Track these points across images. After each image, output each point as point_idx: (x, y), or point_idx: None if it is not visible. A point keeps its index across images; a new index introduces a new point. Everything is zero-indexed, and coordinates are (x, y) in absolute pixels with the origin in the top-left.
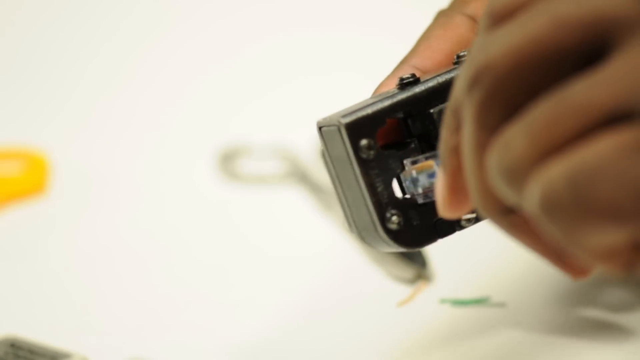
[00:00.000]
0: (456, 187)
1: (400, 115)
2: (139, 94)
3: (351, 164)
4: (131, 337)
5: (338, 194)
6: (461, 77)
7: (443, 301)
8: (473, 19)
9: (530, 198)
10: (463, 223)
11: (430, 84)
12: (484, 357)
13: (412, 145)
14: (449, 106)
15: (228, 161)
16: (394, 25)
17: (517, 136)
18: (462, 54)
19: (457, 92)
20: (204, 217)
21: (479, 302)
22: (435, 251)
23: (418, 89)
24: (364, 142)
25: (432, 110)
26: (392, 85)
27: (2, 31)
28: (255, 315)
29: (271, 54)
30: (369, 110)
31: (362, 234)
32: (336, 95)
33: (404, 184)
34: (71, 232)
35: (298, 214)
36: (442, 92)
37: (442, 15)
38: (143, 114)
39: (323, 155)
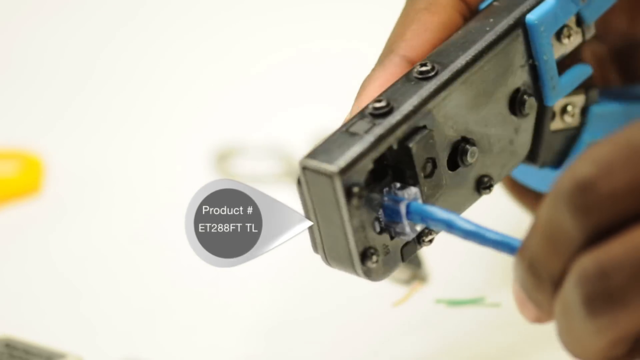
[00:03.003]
0: (543, 317)
1: (384, 150)
2: (134, 95)
3: (339, 209)
4: (126, 337)
5: (309, 218)
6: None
7: (438, 301)
8: None
9: None
10: (424, 244)
11: (404, 111)
12: (479, 357)
13: (388, 177)
14: (523, 259)
15: (224, 161)
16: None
17: None
18: (377, 105)
19: (536, 251)
20: None
21: (474, 302)
22: (431, 252)
23: (394, 119)
24: (355, 189)
25: (410, 145)
26: (383, 80)
27: None
28: (251, 315)
29: (267, 54)
30: (356, 154)
31: (329, 260)
32: (333, 96)
33: (381, 217)
34: (65, 232)
35: None
36: (417, 119)
37: None
38: (138, 114)
39: (299, 185)
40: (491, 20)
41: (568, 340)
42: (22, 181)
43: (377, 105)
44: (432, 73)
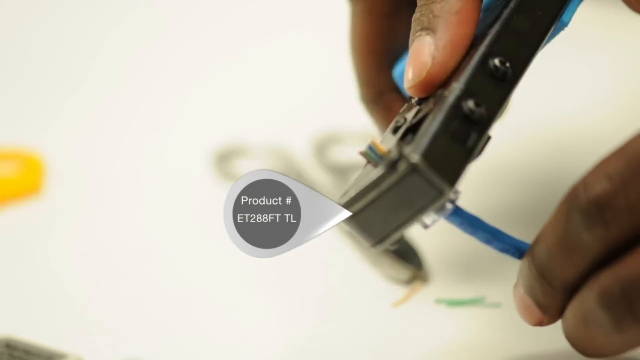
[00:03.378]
0: (546, 321)
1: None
2: (134, 95)
3: (418, 212)
4: (127, 337)
5: (369, 192)
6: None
7: (438, 301)
8: None
9: None
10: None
11: (492, 122)
12: (479, 357)
13: None
14: (533, 266)
15: (224, 161)
16: None
17: None
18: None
19: (548, 259)
20: (199, 217)
21: (475, 302)
22: (431, 252)
23: (488, 133)
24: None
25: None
26: (465, 14)
27: None
28: (251, 315)
29: (267, 54)
30: (462, 172)
31: (353, 225)
32: (332, 96)
33: None
34: (66, 232)
35: None
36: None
37: None
38: (139, 114)
39: (391, 170)
40: (539, 13)
41: (586, 344)
42: (22, 181)
43: (476, 110)
44: (508, 75)
